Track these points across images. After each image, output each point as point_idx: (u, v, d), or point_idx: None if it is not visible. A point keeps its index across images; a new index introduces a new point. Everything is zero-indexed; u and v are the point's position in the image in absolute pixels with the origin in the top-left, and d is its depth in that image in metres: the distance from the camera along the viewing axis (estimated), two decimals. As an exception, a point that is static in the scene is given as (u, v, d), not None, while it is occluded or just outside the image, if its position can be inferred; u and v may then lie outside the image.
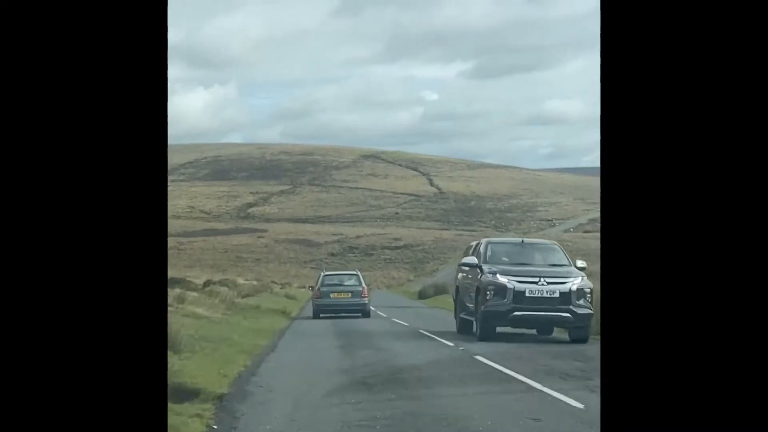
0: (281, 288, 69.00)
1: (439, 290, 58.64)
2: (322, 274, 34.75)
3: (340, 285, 33.00)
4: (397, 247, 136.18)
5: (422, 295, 59.38)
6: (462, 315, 21.67)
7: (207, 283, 45.42)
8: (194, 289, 35.88)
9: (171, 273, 67.69)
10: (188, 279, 44.32)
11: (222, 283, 49.42)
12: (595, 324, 18.17)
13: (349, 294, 32.30)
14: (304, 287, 74.80)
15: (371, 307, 33.67)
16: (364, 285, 32.95)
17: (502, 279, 18.68)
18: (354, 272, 35.30)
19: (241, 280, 65.77)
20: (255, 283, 66.10)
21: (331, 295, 32.23)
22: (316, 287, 33.02)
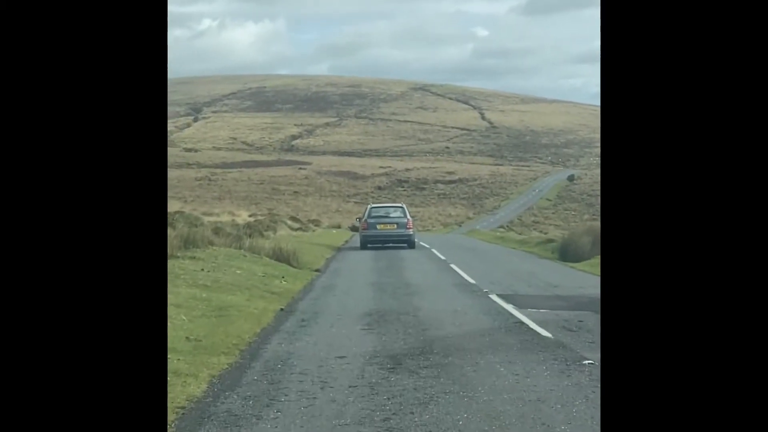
0: (297, 228, 45.02)
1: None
2: (369, 206, 35.45)
3: (386, 217, 33.69)
4: (451, 182, 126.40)
5: (567, 255, 27.92)
6: None
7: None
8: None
9: (182, 205, 57.09)
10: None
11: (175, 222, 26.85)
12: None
13: (395, 225, 33.22)
14: (338, 227, 57.87)
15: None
16: (409, 217, 33.92)
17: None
18: (399, 205, 35.78)
19: (243, 216, 49.28)
20: (257, 219, 44.95)
21: (378, 227, 33.13)
22: (363, 219, 33.85)
